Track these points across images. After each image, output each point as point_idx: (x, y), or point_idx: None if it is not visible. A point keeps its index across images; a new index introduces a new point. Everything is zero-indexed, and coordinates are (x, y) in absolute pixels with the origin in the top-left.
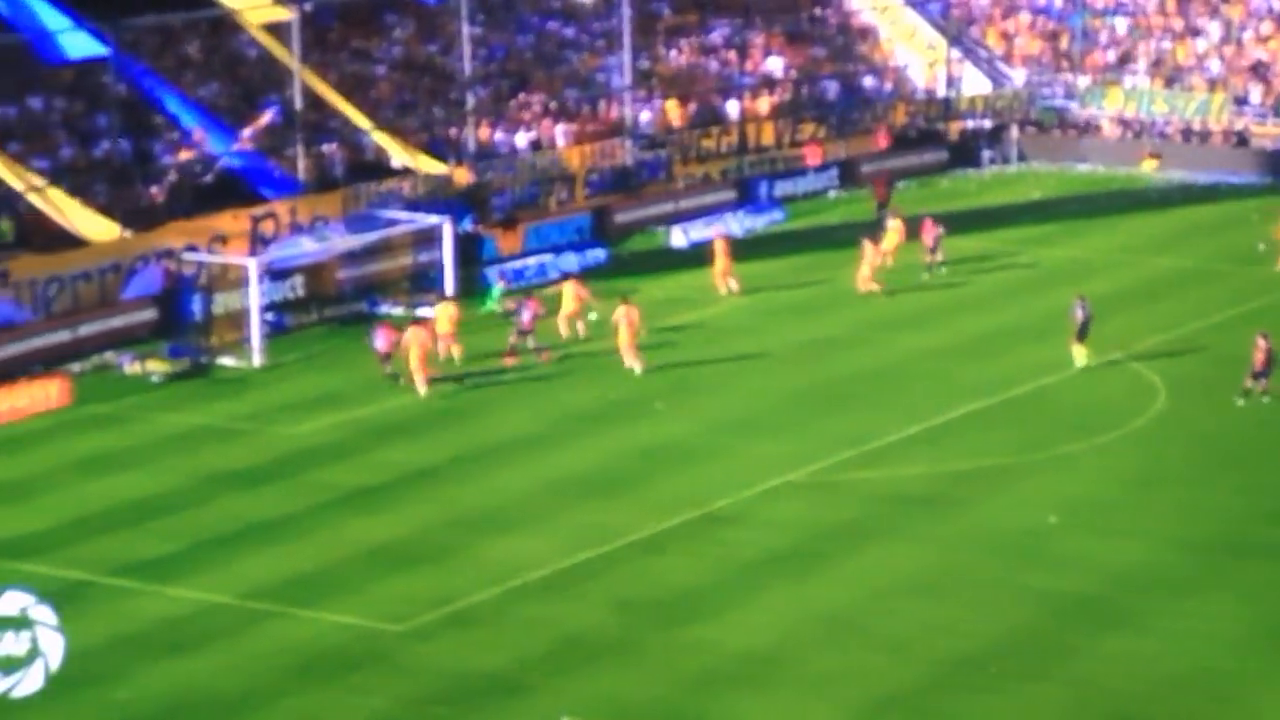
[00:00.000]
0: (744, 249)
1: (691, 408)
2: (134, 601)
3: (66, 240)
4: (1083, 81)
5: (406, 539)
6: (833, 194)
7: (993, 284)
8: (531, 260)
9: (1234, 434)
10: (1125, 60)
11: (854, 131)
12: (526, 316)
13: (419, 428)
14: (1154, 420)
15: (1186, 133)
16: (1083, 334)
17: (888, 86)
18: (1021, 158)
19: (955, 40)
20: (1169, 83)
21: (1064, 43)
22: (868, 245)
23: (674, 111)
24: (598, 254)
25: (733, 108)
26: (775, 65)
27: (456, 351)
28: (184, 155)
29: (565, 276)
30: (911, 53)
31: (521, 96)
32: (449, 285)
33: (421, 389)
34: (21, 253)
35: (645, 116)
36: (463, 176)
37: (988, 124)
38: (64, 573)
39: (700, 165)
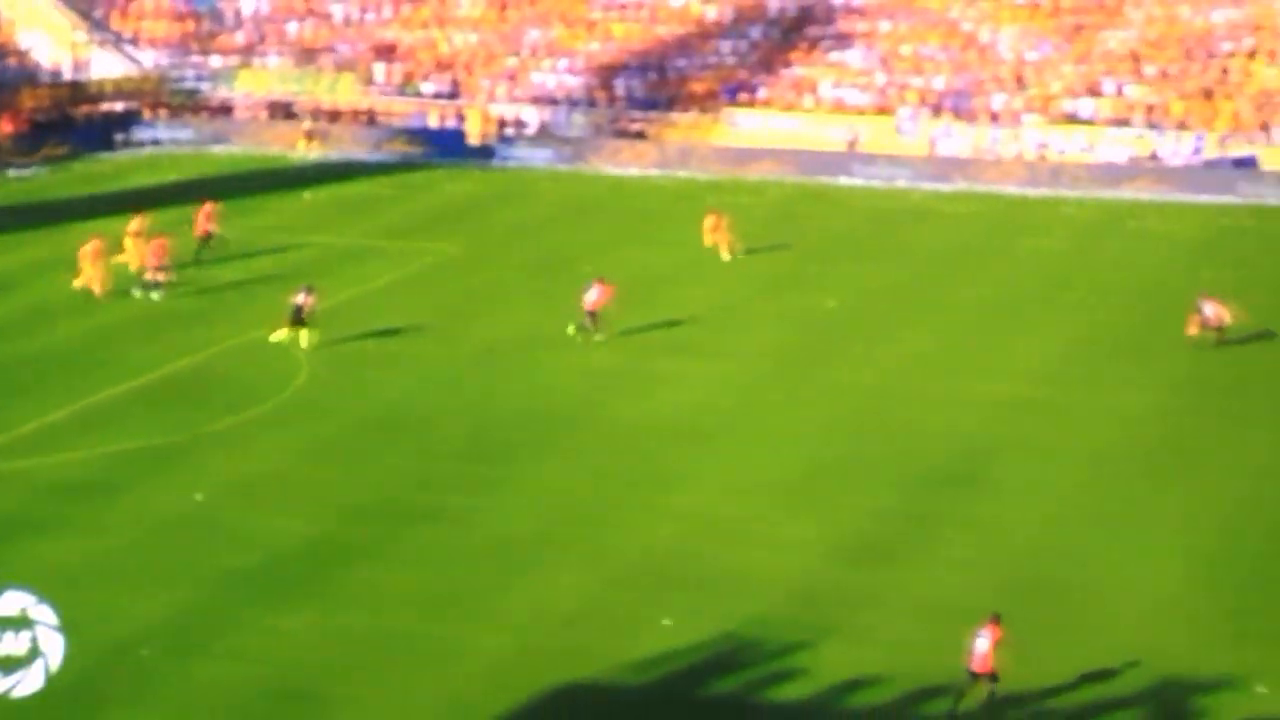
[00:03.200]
0: None
1: None
2: None
3: None
4: (215, 63)
5: None
6: None
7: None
8: None
9: (378, 408)
10: (257, 42)
11: None
12: None
13: None
14: (297, 394)
15: (318, 112)
16: (298, 320)
17: (12, 67)
18: (157, 141)
19: (85, 22)
20: (300, 63)
21: (194, 25)
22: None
23: None
24: None
25: None
26: None
27: None
28: None
29: None
30: (39, 34)
31: None
32: None
33: None
34: None
35: None
36: None
37: (120, 107)
38: None
39: None
